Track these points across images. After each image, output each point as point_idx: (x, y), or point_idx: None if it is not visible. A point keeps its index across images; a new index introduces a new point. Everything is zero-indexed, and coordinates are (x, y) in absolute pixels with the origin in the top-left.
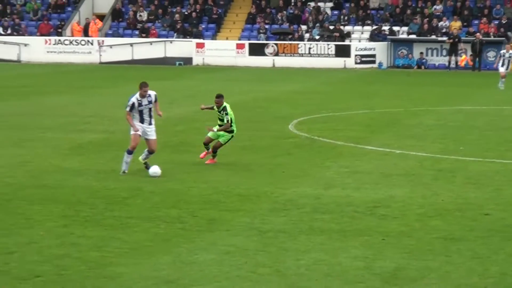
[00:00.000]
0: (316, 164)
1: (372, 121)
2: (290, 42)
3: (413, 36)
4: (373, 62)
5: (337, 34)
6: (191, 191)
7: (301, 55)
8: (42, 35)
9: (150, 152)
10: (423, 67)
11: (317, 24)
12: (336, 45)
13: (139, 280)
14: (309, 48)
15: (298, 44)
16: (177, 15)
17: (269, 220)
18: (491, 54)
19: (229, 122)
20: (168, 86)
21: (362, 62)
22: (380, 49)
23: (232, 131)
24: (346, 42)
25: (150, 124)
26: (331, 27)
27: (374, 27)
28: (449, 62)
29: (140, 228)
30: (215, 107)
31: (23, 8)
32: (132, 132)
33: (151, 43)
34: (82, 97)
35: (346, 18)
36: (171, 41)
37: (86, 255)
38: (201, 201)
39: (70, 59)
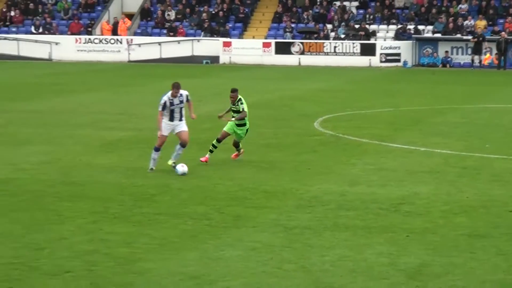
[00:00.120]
0: (341, 161)
1: (397, 119)
2: (315, 40)
3: (438, 35)
4: (398, 60)
5: (363, 33)
6: (218, 188)
7: (327, 53)
8: (72, 34)
9: (183, 145)
10: (448, 65)
11: (343, 23)
12: (361, 44)
13: (166, 276)
14: (335, 47)
15: (323, 42)
16: (204, 14)
17: (294, 217)
18: None
19: (245, 111)
20: (195, 84)
21: (387, 61)
22: (405, 48)
23: (245, 124)
24: (371, 41)
25: (180, 120)
26: (357, 26)
27: (399, 26)
28: (473, 61)
29: (168, 225)
30: (230, 105)
31: (54, 7)
32: (159, 134)
33: (178, 42)
34: (111, 95)
35: (371, 17)
36: (198, 40)
37: (115, 251)
38: (228, 198)
39: (99, 57)
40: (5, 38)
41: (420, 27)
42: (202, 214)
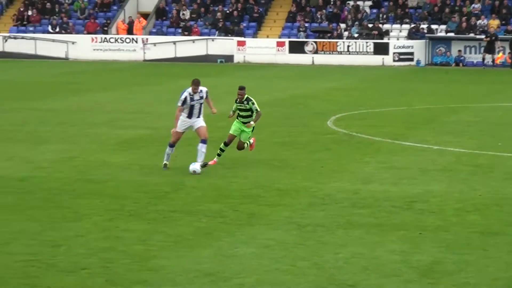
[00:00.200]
0: (355, 159)
1: (409, 118)
2: (329, 40)
3: (451, 34)
4: (411, 59)
5: (376, 32)
6: (232, 186)
7: (340, 52)
8: (89, 33)
9: (203, 141)
10: (461, 64)
11: (356, 22)
12: (374, 43)
13: (181, 273)
14: (348, 46)
15: (337, 42)
16: (219, 14)
17: (308, 215)
18: None
19: (260, 111)
20: (210, 83)
21: (400, 60)
22: (418, 47)
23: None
24: (385, 40)
25: (198, 117)
26: (370, 25)
27: (412, 25)
28: (483, 59)
29: (183, 222)
30: (236, 99)
31: (71, 7)
32: (176, 130)
33: (193, 41)
34: (126, 94)
35: (384, 16)
36: (213, 39)
37: (130, 248)
38: (242, 196)
39: (115, 56)
40: (22, 37)
41: (433, 27)
42: (216, 212)
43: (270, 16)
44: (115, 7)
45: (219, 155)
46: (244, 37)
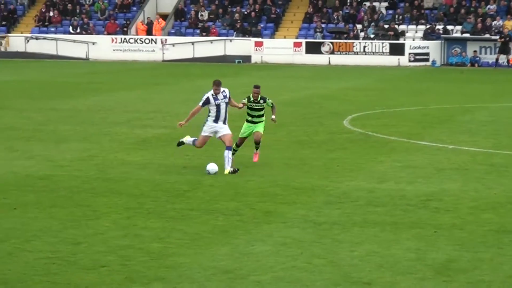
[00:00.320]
0: (370, 158)
1: (425, 117)
2: (345, 40)
3: (466, 35)
4: (427, 60)
5: (392, 33)
6: (249, 184)
7: (356, 53)
8: (109, 34)
9: (228, 148)
10: (476, 65)
11: (372, 23)
12: (390, 44)
13: (198, 270)
14: (364, 47)
15: (353, 42)
16: (236, 15)
17: (324, 213)
18: None
19: (274, 104)
20: (227, 83)
21: (415, 60)
22: (433, 48)
23: (263, 117)
24: (400, 41)
25: (224, 123)
26: (386, 26)
27: (428, 26)
28: (497, 60)
29: (200, 220)
30: (249, 98)
31: (92, 8)
32: (202, 134)
33: (211, 41)
34: (146, 94)
35: (400, 17)
36: (230, 40)
37: (149, 245)
38: (258, 194)
39: (134, 57)
40: (44, 38)
41: (449, 27)
42: (233, 210)
43: (287, 17)
44: (134, 8)
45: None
46: (262, 37)
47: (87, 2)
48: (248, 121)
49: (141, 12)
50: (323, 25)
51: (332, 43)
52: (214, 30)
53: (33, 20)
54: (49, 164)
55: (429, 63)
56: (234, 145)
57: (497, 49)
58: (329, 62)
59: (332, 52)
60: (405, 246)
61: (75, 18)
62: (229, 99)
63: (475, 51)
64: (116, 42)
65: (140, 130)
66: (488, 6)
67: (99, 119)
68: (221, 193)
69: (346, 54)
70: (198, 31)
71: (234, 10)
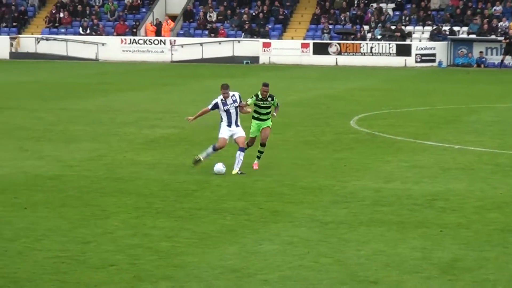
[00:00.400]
0: (377, 158)
1: (431, 118)
2: (352, 41)
3: (472, 36)
4: (433, 61)
5: (398, 34)
6: (256, 184)
7: (363, 54)
8: (118, 35)
9: (241, 149)
10: (482, 65)
11: (379, 24)
12: (397, 45)
13: (206, 269)
14: (371, 47)
15: (360, 43)
16: (245, 16)
17: (330, 212)
18: None
19: (279, 104)
20: (236, 83)
21: (422, 61)
22: (440, 49)
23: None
24: (407, 42)
25: (237, 125)
26: (393, 27)
27: (435, 27)
28: (502, 61)
29: (208, 219)
30: (257, 96)
31: (101, 9)
32: (220, 136)
33: (220, 42)
34: (155, 94)
35: (407, 18)
36: (239, 41)
37: (157, 245)
38: (266, 194)
39: (143, 57)
40: (54, 39)
41: (455, 28)
42: (241, 209)
43: (295, 18)
44: (144, 10)
45: (258, 156)
46: (270, 38)
47: (97, 4)
48: (255, 118)
49: (150, 13)
50: (330, 26)
51: (339, 44)
52: (223, 31)
53: (44, 21)
54: (58, 164)
55: (435, 64)
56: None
57: (503, 50)
58: (336, 63)
59: (339, 53)
60: (411, 245)
61: (85, 19)
62: (240, 103)
63: (481, 52)
64: (125, 43)
65: (148, 130)
66: (494, 8)
67: (108, 119)
68: (229, 193)
69: (353, 55)
70: (206, 32)
71: (242, 11)
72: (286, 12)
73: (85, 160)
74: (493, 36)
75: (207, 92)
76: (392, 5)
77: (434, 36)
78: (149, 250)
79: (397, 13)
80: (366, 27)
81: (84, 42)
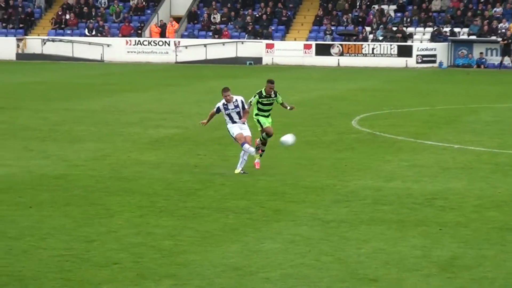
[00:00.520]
0: (377, 158)
1: (431, 118)
2: (354, 42)
3: (473, 37)
4: (434, 61)
5: (400, 35)
6: (259, 183)
7: (365, 55)
8: (123, 36)
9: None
10: (482, 66)
11: (381, 26)
12: (398, 46)
13: (209, 267)
14: (373, 49)
15: (362, 44)
16: (248, 17)
17: (332, 211)
18: None
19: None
20: (239, 84)
21: (423, 62)
22: (440, 49)
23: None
24: (408, 43)
25: (243, 123)
26: (394, 29)
27: (435, 28)
28: (501, 62)
29: (211, 218)
30: (261, 94)
31: (107, 11)
32: (235, 135)
33: (223, 43)
34: (159, 95)
35: (408, 20)
36: (242, 42)
37: (161, 243)
38: (268, 193)
39: (148, 58)
40: (60, 40)
41: (456, 30)
42: (243, 208)
43: (298, 20)
44: (148, 11)
45: (262, 150)
46: (273, 40)
47: (103, 5)
48: (259, 115)
49: (155, 15)
50: (332, 28)
51: (341, 45)
52: (226, 33)
53: (50, 23)
54: (64, 164)
55: (436, 65)
56: (264, 135)
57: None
58: (339, 63)
59: (342, 54)
60: (411, 243)
61: (91, 21)
62: (243, 109)
63: (481, 53)
64: (130, 44)
65: (153, 130)
66: (495, 9)
67: (113, 120)
68: (232, 192)
69: (355, 56)
70: (210, 33)
71: (246, 13)
72: (289, 13)
73: (90, 160)
74: (493, 37)
75: (210, 92)
76: (394, 7)
77: (435, 37)
78: (152, 248)
79: (399, 14)
80: (368, 29)
81: (90, 43)
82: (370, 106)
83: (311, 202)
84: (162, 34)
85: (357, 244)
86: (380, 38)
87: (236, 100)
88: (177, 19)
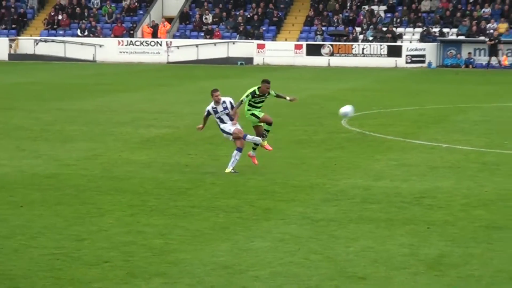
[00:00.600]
0: (367, 157)
1: (420, 117)
2: (345, 43)
3: (461, 37)
4: (423, 62)
5: (390, 36)
6: (249, 182)
7: (355, 55)
8: (115, 36)
9: (239, 149)
10: (470, 66)
11: (371, 26)
12: (388, 46)
13: (199, 266)
14: (363, 49)
15: (352, 44)
16: (240, 18)
17: (321, 210)
18: None
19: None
20: (230, 84)
21: (412, 62)
22: (430, 50)
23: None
24: (398, 43)
25: (235, 124)
26: (384, 29)
27: (425, 28)
28: (489, 62)
29: (201, 217)
30: (254, 93)
31: (99, 11)
32: (231, 130)
33: (215, 44)
34: (150, 94)
35: (398, 20)
36: (233, 42)
37: (151, 242)
38: (258, 192)
39: (140, 59)
40: (52, 41)
41: (445, 30)
42: (233, 207)
43: (288, 20)
44: (141, 12)
45: (265, 135)
46: (264, 40)
47: (95, 6)
48: (252, 110)
49: (147, 16)
50: (323, 28)
51: (332, 45)
52: (218, 33)
53: (42, 23)
54: (55, 163)
55: (425, 65)
56: (266, 126)
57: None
58: (329, 64)
59: (332, 54)
60: (399, 241)
61: (83, 21)
62: (232, 109)
63: (469, 53)
64: (122, 45)
65: (144, 130)
66: (483, 9)
67: (104, 120)
68: (222, 191)
69: (345, 56)
70: (202, 34)
71: (238, 13)
72: (280, 14)
73: (81, 159)
74: (481, 38)
75: (202, 92)
76: (384, 7)
77: (424, 38)
78: (142, 247)
79: (389, 15)
80: (358, 29)
81: (82, 43)
82: (360, 105)
83: (300, 201)
84: (154, 35)
85: (346, 242)
86: (370, 38)
87: (224, 102)
88: (169, 20)
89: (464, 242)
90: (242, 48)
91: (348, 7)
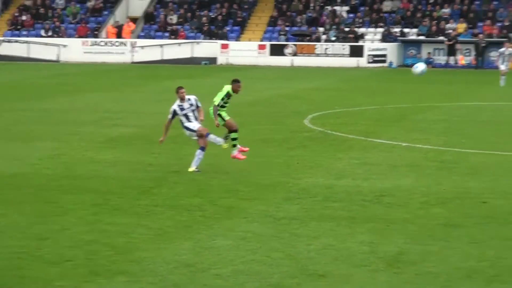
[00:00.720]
0: (329, 156)
1: (381, 116)
2: (308, 43)
3: (421, 37)
4: (384, 61)
5: (352, 36)
6: (213, 181)
7: (318, 55)
8: (80, 37)
9: (202, 148)
10: (430, 66)
11: (334, 26)
12: (350, 46)
13: (161, 264)
14: (326, 49)
15: (315, 44)
16: (204, 18)
17: (283, 208)
18: (493, 54)
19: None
20: (194, 84)
21: (374, 62)
22: (391, 50)
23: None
24: (360, 43)
25: (198, 123)
26: (347, 29)
27: (386, 28)
28: (447, 62)
29: (164, 216)
30: (229, 95)
31: (64, 12)
32: (196, 128)
33: (179, 44)
34: (115, 94)
35: (360, 20)
36: (198, 42)
37: (114, 240)
38: (221, 191)
39: (105, 59)
40: (16, 41)
41: (406, 30)
42: (196, 206)
43: (252, 21)
44: (106, 12)
45: (235, 141)
46: (228, 40)
47: (60, 6)
48: (220, 110)
49: (112, 16)
50: (287, 28)
51: (295, 45)
52: (182, 33)
53: (6, 24)
54: (17, 163)
55: (386, 64)
56: (234, 134)
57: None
58: (292, 63)
59: (295, 54)
60: (360, 239)
61: (47, 22)
62: (197, 107)
63: (429, 53)
64: (86, 45)
65: (109, 129)
66: (443, 10)
67: (69, 119)
68: (185, 190)
69: (308, 56)
70: (167, 34)
71: (202, 13)
72: (244, 14)
73: (44, 159)
74: (440, 38)
75: (166, 92)
76: (346, 8)
77: (385, 38)
78: (105, 245)
79: (351, 15)
80: (321, 29)
81: (46, 44)
82: (322, 105)
83: (263, 199)
84: (119, 35)
85: (307, 240)
86: (333, 38)
87: (190, 99)
88: (134, 20)
89: (422, 239)
90: (206, 48)
91: (311, 8)
